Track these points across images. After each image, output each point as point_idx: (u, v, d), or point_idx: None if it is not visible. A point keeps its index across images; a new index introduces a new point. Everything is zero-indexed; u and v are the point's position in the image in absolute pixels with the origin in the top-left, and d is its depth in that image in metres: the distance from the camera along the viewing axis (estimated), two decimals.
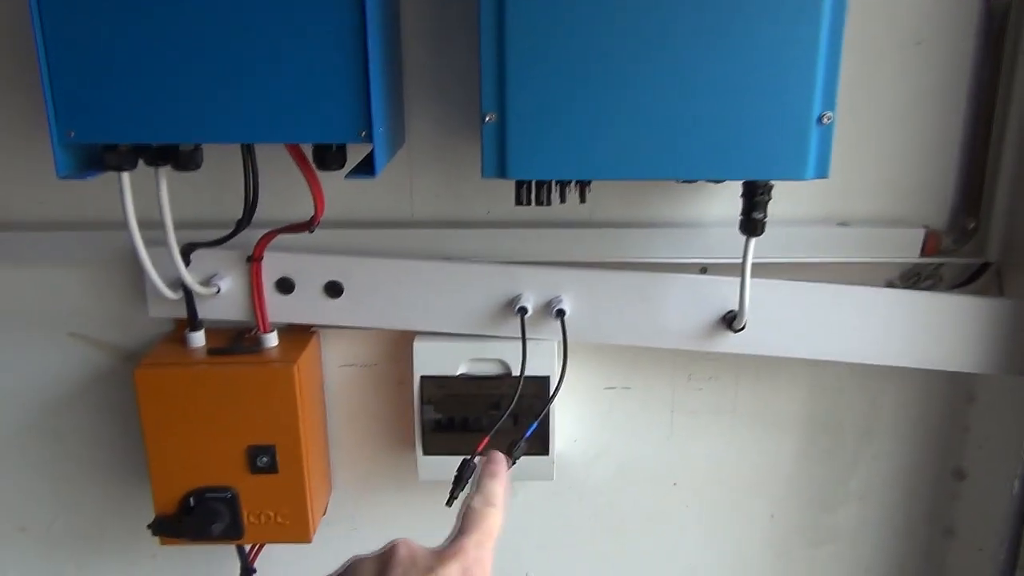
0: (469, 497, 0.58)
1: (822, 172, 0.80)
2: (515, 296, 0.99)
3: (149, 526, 0.99)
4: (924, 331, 0.99)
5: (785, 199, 0.98)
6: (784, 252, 0.99)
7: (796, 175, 0.79)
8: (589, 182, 0.88)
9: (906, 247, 1.00)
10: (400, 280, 0.99)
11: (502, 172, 0.80)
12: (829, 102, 0.77)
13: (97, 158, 0.82)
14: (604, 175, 0.80)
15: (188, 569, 1.17)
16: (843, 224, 1.00)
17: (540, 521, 1.15)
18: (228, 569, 1.14)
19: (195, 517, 0.98)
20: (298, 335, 1.03)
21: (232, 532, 1.00)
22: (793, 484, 1.14)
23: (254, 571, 1.10)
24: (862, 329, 0.99)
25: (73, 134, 0.78)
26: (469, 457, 0.92)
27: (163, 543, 1.01)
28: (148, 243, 0.89)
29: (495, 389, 1.01)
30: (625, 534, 1.16)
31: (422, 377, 1.01)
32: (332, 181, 0.88)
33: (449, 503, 0.92)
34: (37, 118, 0.96)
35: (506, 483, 0.61)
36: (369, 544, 1.17)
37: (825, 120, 0.78)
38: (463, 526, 0.55)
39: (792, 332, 0.99)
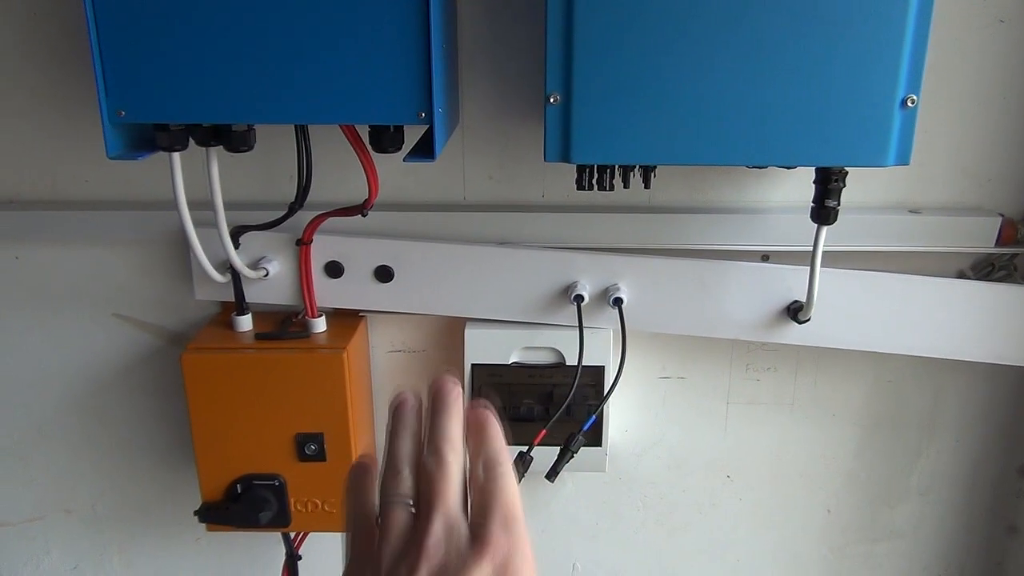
0: (469, 468, 0.47)
1: (903, 158, 0.75)
2: (571, 283, 0.96)
3: (196, 512, 0.98)
4: (995, 324, 0.95)
5: (855, 185, 0.93)
6: (852, 240, 0.94)
7: (877, 161, 0.75)
8: (655, 167, 0.84)
9: (980, 236, 0.95)
10: (452, 265, 0.96)
11: (566, 156, 0.76)
12: (914, 84, 0.73)
13: (148, 138, 0.80)
14: (673, 160, 0.77)
15: (232, 554, 1.16)
16: (914, 211, 0.96)
17: (589, 512, 1.13)
18: (273, 554, 1.13)
19: (242, 504, 0.96)
20: (346, 320, 1.01)
21: (279, 520, 0.98)
22: (851, 479, 1.10)
23: (299, 557, 1.09)
24: (931, 322, 0.95)
25: (124, 114, 0.75)
26: (525, 449, 0.90)
27: (209, 529, 1.00)
28: (196, 224, 0.87)
29: (548, 378, 0.98)
30: (676, 526, 1.13)
31: (473, 365, 0.99)
32: (382, 162, 0.85)
33: None
34: (84, 96, 0.94)
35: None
36: None
37: (909, 103, 0.73)
38: (478, 507, 0.46)
39: (858, 324, 0.95)
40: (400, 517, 0.47)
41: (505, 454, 0.48)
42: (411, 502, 0.47)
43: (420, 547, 0.44)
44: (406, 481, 0.48)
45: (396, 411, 0.51)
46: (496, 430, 0.49)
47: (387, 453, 0.49)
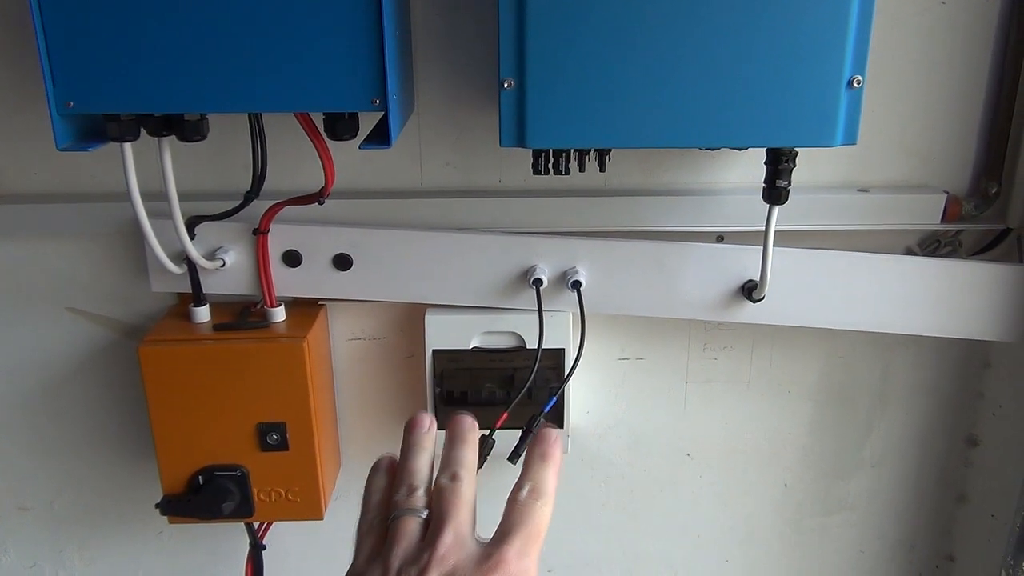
0: (516, 486, 0.50)
1: (851, 138, 0.77)
2: (529, 267, 0.96)
3: (157, 505, 0.97)
4: (943, 299, 0.98)
5: (804, 165, 0.95)
6: (802, 219, 0.96)
7: (825, 142, 0.76)
8: (609, 150, 0.85)
9: (926, 213, 0.98)
10: (410, 252, 0.96)
11: (521, 141, 0.77)
12: (860, 65, 0.75)
13: (98, 128, 0.78)
14: (627, 143, 0.77)
15: (196, 545, 1.16)
16: (863, 190, 0.98)
17: None
18: (236, 544, 1.12)
19: (205, 496, 0.96)
20: (305, 309, 1.01)
21: (243, 511, 0.98)
22: (807, 453, 1.13)
23: (264, 547, 1.09)
24: (881, 297, 0.98)
25: (72, 104, 0.74)
26: (488, 433, 0.91)
27: (171, 522, 0.99)
28: (150, 215, 0.86)
29: (509, 362, 0.99)
30: (638, 505, 1.15)
31: (434, 351, 0.99)
32: (338, 150, 0.85)
33: None
34: (30, 86, 0.92)
35: (559, 465, 0.52)
36: None
37: (855, 84, 0.75)
38: (504, 525, 0.48)
39: (810, 301, 0.98)
40: (412, 526, 0.48)
41: (553, 488, 0.50)
42: (424, 515, 0.49)
43: (432, 552, 0.46)
44: (420, 498, 0.50)
45: (412, 429, 0.53)
46: (558, 464, 0.52)
47: (402, 468, 0.51)
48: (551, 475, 0.51)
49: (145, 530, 1.15)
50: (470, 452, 0.53)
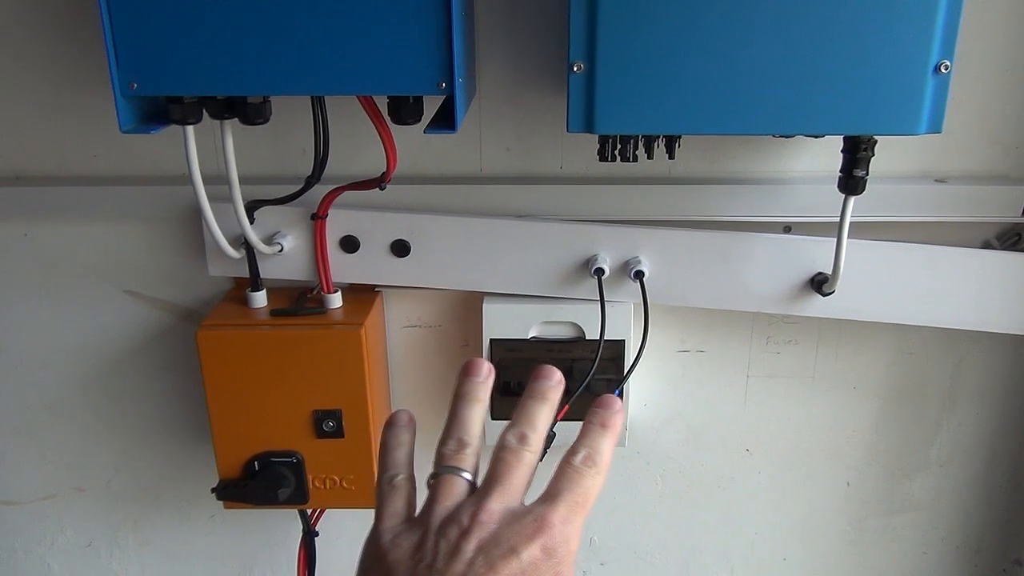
0: (571, 450, 0.47)
1: (935, 126, 0.73)
2: (591, 256, 0.94)
3: (213, 490, 0.97)
4: (1020, 295, 0.94)
5: (880, 153, 0.91)
6: (876, 210, 0.93)
7: (909, 129, 0.73)
8: (679, 137, 0.82)
9: (1006, 206, 0.93)
10: (469, 239, 0.95)
11: (589, 126, 0.74)
12: (948, 50, 0.71)
13: (160, 111, 0.78)
14: (699, 130, 0.75)
15: (248, 530, 1.16)
16: (940, 181, 0.94)
17: (607, 485, 1.10)
18: (289, 530, 1.12)
19: (260, 482, 0.96)
20: (361, 295, 1.00)
21: (297, 497, 0.97)
22: (871, 451, 1.09)
23: (316, 534, 1.08)
24: (956, 292, 0.94)
25: (136, 86, 0.73)
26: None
27: (227, 507, 0.99)
28: (209, 199, 0.85)
29: (567, 353, 0.97)
30: (694, 500, 1.13)
31: (492, 340, 0.97)
32: (397, 135, 0.83)
33: None
34: (92, 68, 0.92)
35: (617, 436, 0.48)
36: None
37: (943, 70, 0.71)
38: (553, 488, 0.46)
39: (881, 295, 0.94)
40: (459, 485, 0.46)
41: (609, 457, 0.47)
42: (470, 478, 0.46)
43: (475, 515, 0.44)
44: (469, 457, 0.47)
45: (469, 375, 0.50)
46: (616, 433, 0.48)
47: (453, 418, 0.48)
48: (608, 445, 0.48)
49: (199, 513, 1.15)
50: (547, 413, 0.49)
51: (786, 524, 1.14)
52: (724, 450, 1.10)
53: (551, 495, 0.45)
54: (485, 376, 0.50)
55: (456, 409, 0.49)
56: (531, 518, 0.44)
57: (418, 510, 0.48)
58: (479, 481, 0.47)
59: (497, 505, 0.45)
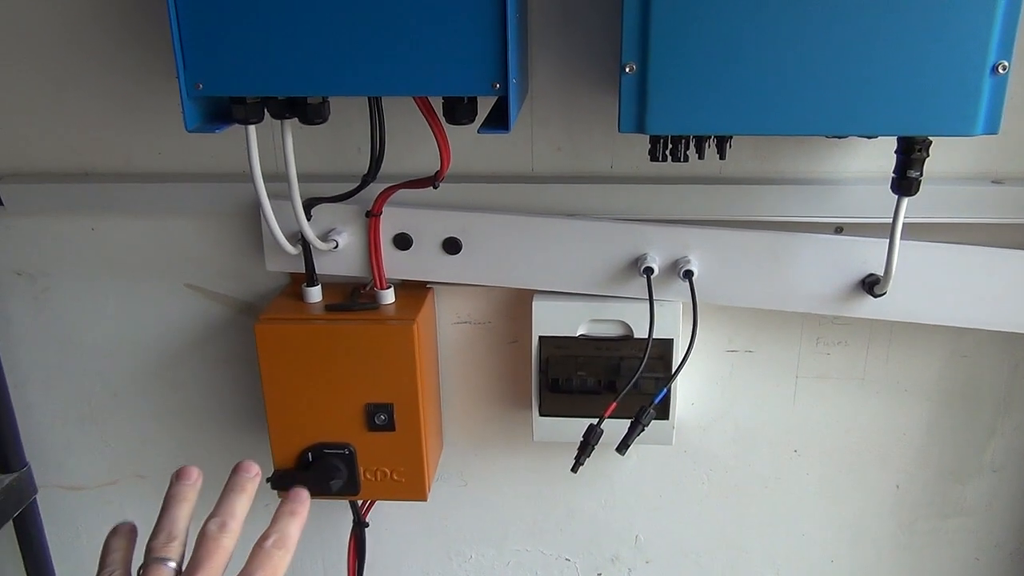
0: (263, 535, 0.54)
1: (992, 127, 0.73)
2: (640, 255, 0.95)
3: (268, 479, 1.00)
4: None
5: (935, 154, 0.91)
6: (930, 211, 0.92)
7: (965, 130, 0.72)
8: (730, 137, 0.83)
9: None
10: (520, 237, 0.96)
11: (641, 126, 0.75)
12: (1006, 50, 0.70)
13: (223, 111, 0.81)
14: (751, 130, 0.75)
15: None
16: (997, 182, 0.93)
17: (653, 484, 1.13)
18: (340, 520, 1.15)
19: (314, 472, 0.98)
20: (414, 291, 1.02)
21: (349, 488, 1.00)
22: (923, 454, 1.08)
23: (367, 524, 1.11)
24: (1012, 295, 0.93)
25: (201, 86, 0.76)
26: (596, 422, 0.90)
27: (280, 496, 1.02)
28: (269, 196, 0.88)
29: (616, 351, 0.98)
30: (740, 501, 1.13)
31: (541, 337, 0.99)
32: (450, 134, 0.85)
33: (575, 469, 0.91)
34: (157, 69, 0.95)
35: (303, 522, 0.57)
36: (479, 500, 1.17)
37: (1000, 70, 0.71)
38: (247, 568, 0.52)
39: (936, 298, 0.93)
40: (166, 572, 0.51)
41: (295, 541, 0.55)
42: (174, 566, 0.52)
43: None
44: (176, 548, 0.53)
45: (178, 480, 0.57)
46: (302, 519, 0.56)
47: (163, 516, 0.55)
48: (295, 529, 0.55)
49: (254, 502, 1.18)
50: (244, 502, 0.55)
51: (834, 526, 1.13)
52: (772, 451, 1.10)
53: (246, 574, 0.51)
54: (193, 480, 0.56)
55: (166, 508, 0.55)
56: None
57: None
58: (184, 567, 0.52)
59: None
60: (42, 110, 0.99)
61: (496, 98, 0.76)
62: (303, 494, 0.58)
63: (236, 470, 0.58)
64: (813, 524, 1.14)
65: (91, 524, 1.22)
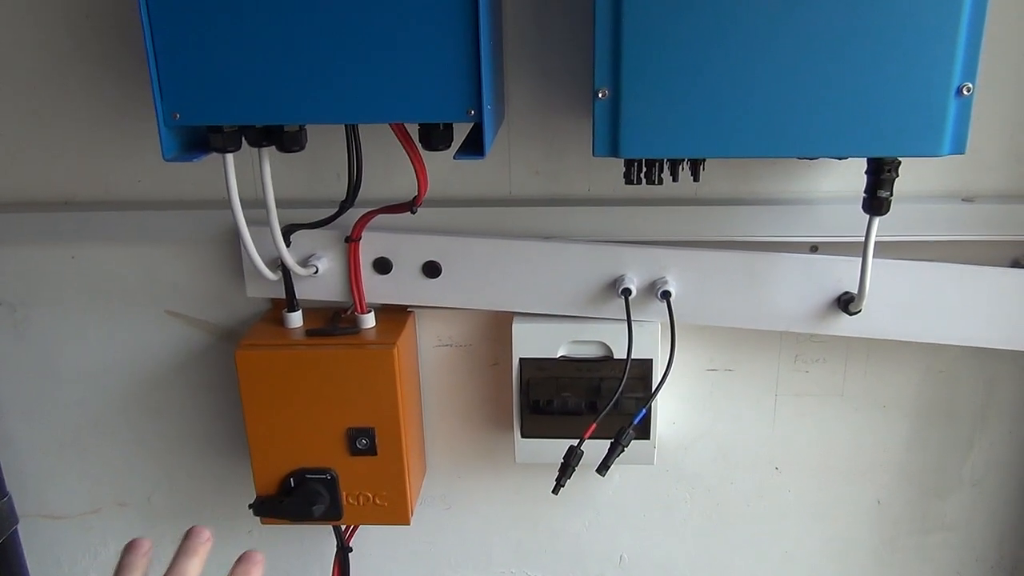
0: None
1: (958, 148, 0.74)
2: (618, 276, 0.96)
3: (250, 506, 0.99)
4: None
5: (905, 172, 0.92)
6: (903, 230, 0.93)
7: (931, 151, 0.74)
8: (704, 160, 0.84)
9: None
10: (499, 260, 0.97)
11: (615, 150, 0.76)
12: (970, 72, 0.72)
13: (201, 139, 0.81)
14: (723, 153, 0.76)
15: (284, 545, 1.18)
16: (967, 200, 0.94)
17: (636, 504, 1.13)
18: (324, 546, 1.15)
19: (296, 498, 0.98)
20: (394, 315, 1.02)
21: (331, 513, 1.00)
22: (902, 470, 1.09)
23: (350, 549, 1.10)
24: (985, 311, 0.94)
25: (179, 116, 0.76)
26: (576, 444, 0.90)
27: (263, 523, 1.02)
28: (247, 223, 0.88)
29: (596, 372, 0.99)
30: (723, 519, 1.13)
31: (521, 359, 0.99)
32: (428, 159, 0.85)
33: (556, 491, 0.91)
34: (136, 98, 0.96)
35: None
36: (463, 523, 1.17)
37: (965, 92, 0.72)
38: None
39: (910, 314, 0.94)
40: None
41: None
42: None
43: None
44: None
45: (130, 551, 0.57)
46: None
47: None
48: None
49: (236, 528, 1.18)
50: (196, 565, 0.57)
51: (816, 542, 1.14)
52: (753, 468, 1.10)
53: None
54: (145, 551, 0.57)
55: None
56: None
57: None
58: None
59: None
60: (20, 139, 1.00)
61: (472, 124, 0.77)
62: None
63: (189, 535, 0.59)
64: (795, 541, 1.14)
65: (72, 553, 1.21)
